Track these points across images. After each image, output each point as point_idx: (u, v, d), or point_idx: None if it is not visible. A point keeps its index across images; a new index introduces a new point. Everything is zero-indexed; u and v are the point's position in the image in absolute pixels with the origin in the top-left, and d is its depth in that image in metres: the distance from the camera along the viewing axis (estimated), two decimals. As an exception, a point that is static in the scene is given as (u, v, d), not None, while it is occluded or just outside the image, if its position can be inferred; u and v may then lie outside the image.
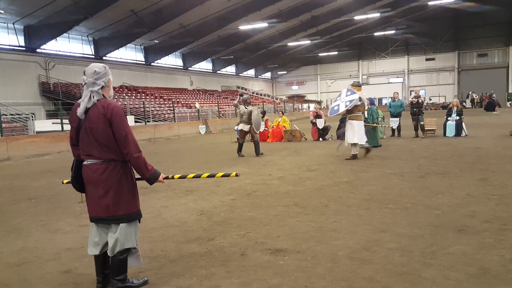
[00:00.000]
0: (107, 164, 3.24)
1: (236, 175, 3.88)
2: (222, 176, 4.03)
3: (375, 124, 12.78)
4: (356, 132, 9.92)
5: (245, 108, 11.84)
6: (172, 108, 29.04)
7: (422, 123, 14.92)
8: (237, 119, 24.26)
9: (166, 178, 3.59)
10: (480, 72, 49.19)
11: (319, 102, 50.34)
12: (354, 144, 10.03)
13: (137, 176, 3.43)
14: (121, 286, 3.30)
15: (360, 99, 9.95)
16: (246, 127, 11.86)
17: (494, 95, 37.92)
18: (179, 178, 4.01)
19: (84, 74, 3.25)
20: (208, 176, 4.12)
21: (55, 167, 11.79)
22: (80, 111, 3.20)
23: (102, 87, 3.25)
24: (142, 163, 3.29)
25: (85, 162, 3.29)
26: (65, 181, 3.88)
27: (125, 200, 3.31)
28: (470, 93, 46.13)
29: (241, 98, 12.05)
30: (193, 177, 4.12)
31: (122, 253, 3.28)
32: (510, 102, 34.17)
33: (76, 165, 3.34)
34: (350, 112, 9.97)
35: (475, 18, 46.65)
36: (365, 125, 13.02)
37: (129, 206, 3.33)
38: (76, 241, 4.67)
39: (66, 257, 4.18)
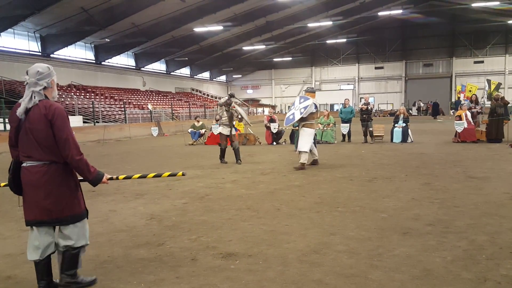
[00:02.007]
0: (48, 166, 3.17)
1: (183, 174, 3.93)
2: (169, 175, 4.03)
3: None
4: (310, 140, 9.49)
5: (226, 110, 10.79)
6: (123, 109, 28.27)
7: (371, 129, 15.44)
8: (191, 121, 24.04)
9: (111, 179, 3.54)
10: (426, 81, 51.59)
11: (273, 107, 50.80)
12: (306, 152, 9.48)
13: (80, 177, 3.38)
14: (70, 281, 3.27)
15: (315, 106, 9.56)
16: (225, 130, 10.79)
17: (437, 103, 39.81)
18: (124, 178, 3.96)
19: (27, 74, 3.19)
20: (154, 176, 4.09)
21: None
22: (20, 110, 3.13)
23: (45, 88, 3.19)
24: (84, 165, 3.24)
25: (24, 164, 3.20)
26: (2, 184, 3.75)
27: (68, 203, 3.24)
28: (417, 101, 48.29)
29: (228, 100, 11.05)
30: (139, 177, 4.06)
31: (75, 248, 3.27)
32: (453, 110, 36.05)
33: (14, 167, 3.25)
34: (305, 120, 9.46)
35: (421, 30, 48.95)
36: (293, 129, 13.51)
37: (73, 208, 3.27)
38: (16, 247, 4.42)
39: (5, 264, 3.96)
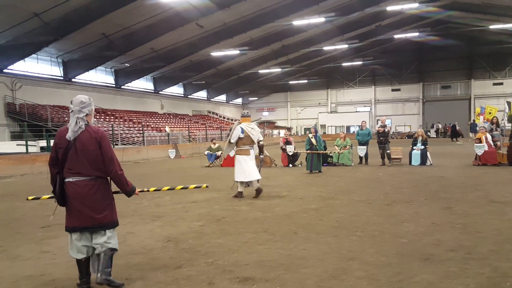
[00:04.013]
0: (95, 181, 3.79)
1: (207, 187, 5.34)
2: (194, 187, 5.34)
3: (322, 151, 14.03)
4: (242, 169, 8.77)
5: None
6: (141, 132, 28.66)
7: (388, 151, 15.25)
8: (207, 143, 24.23)
9: (141, 191, 4.32)
10: (444, 103, 51.12)
11: (289, 129, 50.87)
12: (242, 182, 8.87)
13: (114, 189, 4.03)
14: (107, 278, 3.80)
15: (242, 130, 8.80)
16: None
17: (457, 125, 39.26)
18: (154, 190, 4.91)
19: (71, 103, 3.83)
20: (181, 188, 5.27)
21: (16, 190, 11.33)
22: (69, 134, 3.73)
23: (87, 115, 3.82)
24: (124, 179, 3.95)
25: (69, 179, 3.76)
26: (30, 198, 4.66)
27: (109, 210, 3.89)
28: (435, 123, 47.74)
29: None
30: (168, 189, 5.10)
31: (110, 250, 3.85)
32: (472, 132, 35.47)
33: (60, 183, 3.79)
34: (238, 146, 8.95)
35: (439, 52, 48.72)
36: (313, 152, 13.46)
37: (112, 215, 3.92)
38: (36, 268, 4.47)
39: (26, 286, 4.00)
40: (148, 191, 4.62)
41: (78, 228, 3.78)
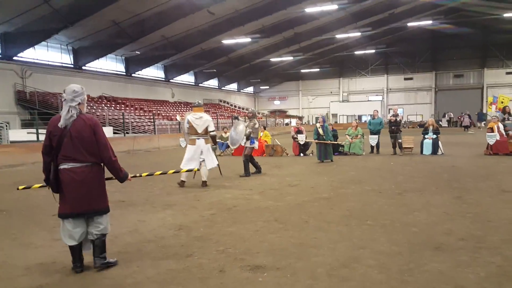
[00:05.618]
0: (91, 167, 3.92)
1: (198, 170, 6.12)
2: (186, 171, 6.01)
3: (329, 141, 13.72)
4: (185, 157, 8.97)
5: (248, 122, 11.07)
6: (152, 120, 28.78)
7: (400, 140, 15.14)
8: (218, 132, 24.22)
9: (134, 176, 4.50)
10: (456, 92, 50.43)
11: (300, 118, 50.64)
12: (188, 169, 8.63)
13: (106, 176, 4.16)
14: (103, 262, 4.00)
15: (188, 121, 8.90)
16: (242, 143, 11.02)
17: (469, 114, 38.78)
18: (147, 175, 5.14)
19: (64, 92, 3.92)
20: (173, 172, 5.66)
21: (28, 178, 11.47)
22: (61, 122, 3.82)
23: (79, 104, 3.91)
24: (118, 165, 4.09)
25: (64, 166, 3.87)
26: (20, 187, 4.82)
27: (104, 196, 4.07)
28: (448, 112, 47.19)
29: (250, 113, 11.63)
30: (160, 173, 5.44)
31: (104, 235, 4.04)
32: (484, 122, 35.03)
33: (54, 170, 3.91)
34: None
35: (452, 40, 47.91)
36: (320, 142, 13.42)
37: (105, 201, 4.09)
38: (48, 256, 4.53)
39: (38, 273, 4.06)
40: (140, 176, 4.86)
41: (72, 214, 3.90)
